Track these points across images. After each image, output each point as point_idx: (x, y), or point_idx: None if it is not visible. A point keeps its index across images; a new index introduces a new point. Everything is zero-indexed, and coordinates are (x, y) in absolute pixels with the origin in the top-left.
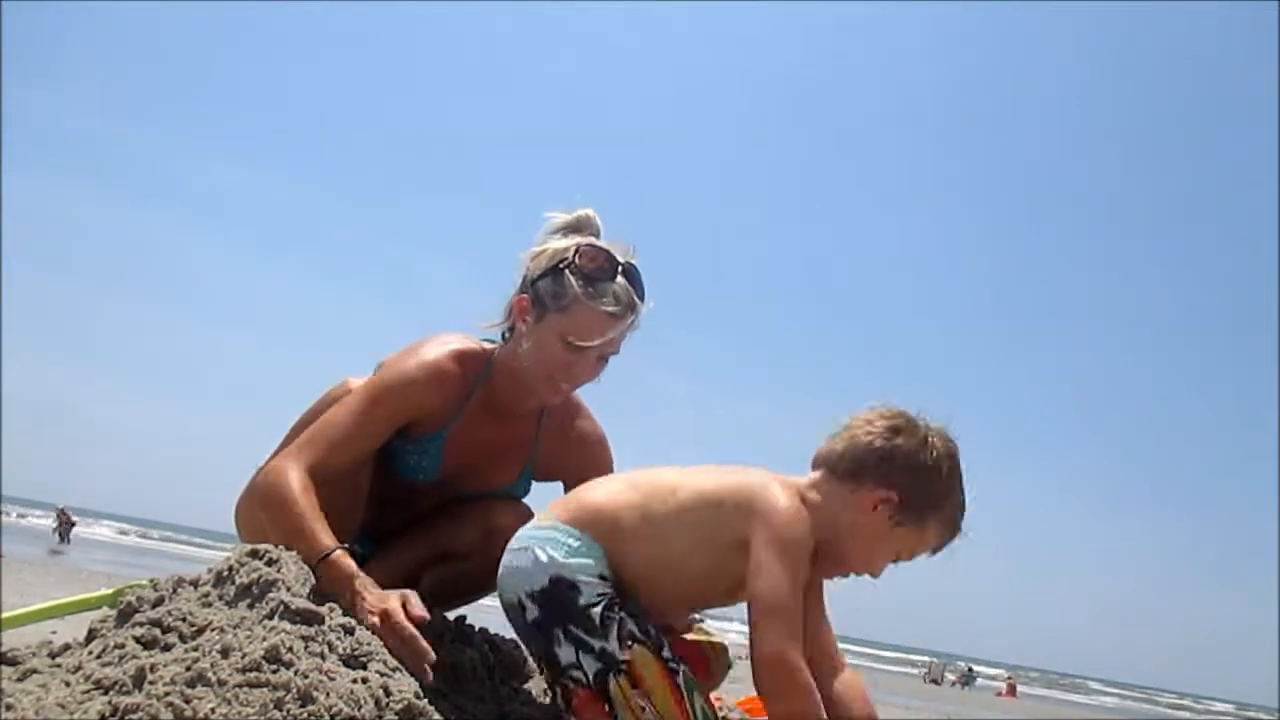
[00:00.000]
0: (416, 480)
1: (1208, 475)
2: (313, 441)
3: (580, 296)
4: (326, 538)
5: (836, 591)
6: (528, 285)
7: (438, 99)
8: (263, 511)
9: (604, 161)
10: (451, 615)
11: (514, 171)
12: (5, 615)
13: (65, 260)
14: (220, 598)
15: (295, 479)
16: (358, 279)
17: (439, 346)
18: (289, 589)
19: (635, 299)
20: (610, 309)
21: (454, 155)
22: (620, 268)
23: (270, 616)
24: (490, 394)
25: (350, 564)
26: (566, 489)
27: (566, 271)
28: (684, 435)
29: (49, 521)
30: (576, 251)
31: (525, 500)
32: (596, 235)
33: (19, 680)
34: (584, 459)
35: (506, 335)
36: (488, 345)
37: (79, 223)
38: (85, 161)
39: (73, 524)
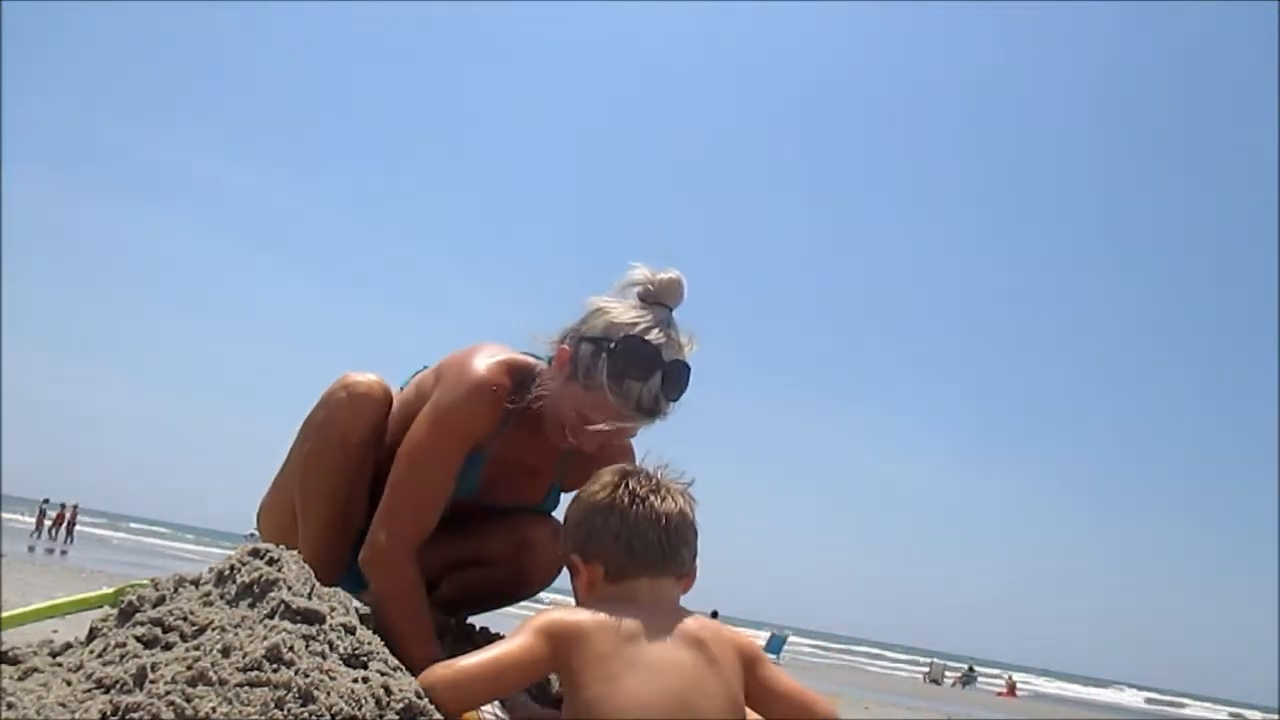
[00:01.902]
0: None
1: (1208, 476)
2: (404, 506)
3: (605, 386)
4: (427, 647)
5: (838, 592)
6: (575, 339)
7: (440, 98)
8: (373, 590)
9: (606, 162)
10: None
11: (516, 171)
12: (6, 614)
13: (65, 260)
14: (221, 597)
15: (406, 568)
16: (358, 278)
17: (486, 361)
18: (290, 588)
19: (661, 405)
20: (627, 412)
21: (457, 155)
22: (662, 370)
23: (271, 616)
24: (529, 410)
25: None
26: None
27: (604, 354)
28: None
29: (47, 520)
30: (622, 340)
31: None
32: (675, 302)
33: (20, 679)
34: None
35: (550, 360)
36: (531, 360)
37: (79, 223)
38: (85, 162)
39: (73, 522)
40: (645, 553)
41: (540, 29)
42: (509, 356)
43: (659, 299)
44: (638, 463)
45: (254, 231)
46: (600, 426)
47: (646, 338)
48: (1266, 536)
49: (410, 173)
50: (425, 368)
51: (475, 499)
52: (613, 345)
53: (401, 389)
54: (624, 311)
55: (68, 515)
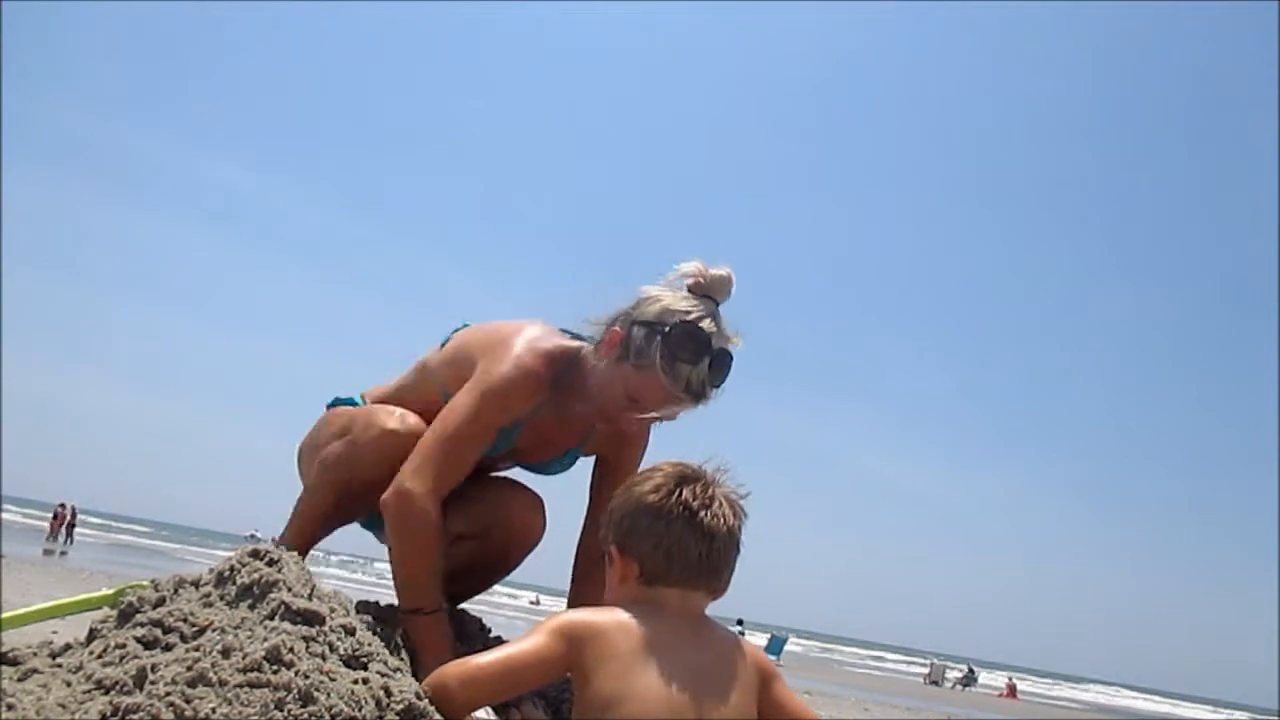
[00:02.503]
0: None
1: (1208, 476)
2: (438, 459)
3: (658, 367)
4: (434, 596)
5: (838, 593)
6: (627, 322)
7: (441, 98)
8: (392, 534)
9: (606, 161)
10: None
11: (516, 171)
12: (6, 615)
13: (65, 260)
14: (221, 598)
15: (433, 517)
16: (358, 278)
17: (532, 346)
18: (290, 589)
19: (708, 389)
20: (677, 392)
21: (456, 154)
22: (710, 357)
23: (271, 617)
24: (563, 390)
25: (447, 630)
26: (600, 468)
27: (658, 337)
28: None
29: (45, 522)
30: (677, 324)
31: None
32: (724, 296)
33: (20, 680)
34: (628, 446)
35: (596, 343)
36: (573, 341)
37: (78, 223)
38: (85, 161)
39: (73, 523)
40: (683, 566)
41: (542, 29)
42: (555, 343)
43: (709, 292)
44: (700, 464)
45: (255, 232)
46: (650, 411)
47: (700, 324)
48: (1267, 537)
49: (411, 173)
50: (466, 325)
51: (501, 457)
52: (667, 329)
53: (442, 345)
54: (677, 300)
55: (66, 515)
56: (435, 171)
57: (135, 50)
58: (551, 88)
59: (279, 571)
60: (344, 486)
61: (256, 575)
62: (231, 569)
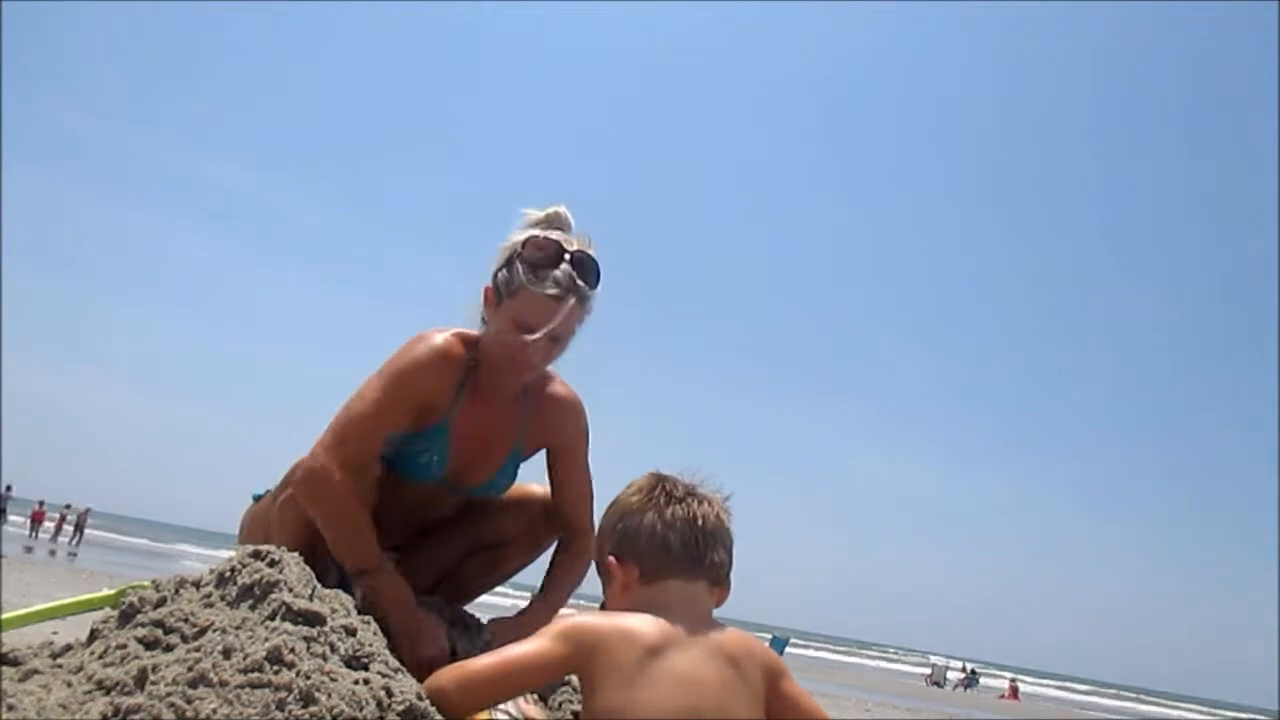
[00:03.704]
0: (425, 481)
1: (1208, 477)
2: (342, 436)
3: (525, 283)
4: (373, 553)
5: (840, 593)
6: (491, 279)
7: (441, 98)
8: (311, 509)
9: (603, 161)
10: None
11: (515, 171)
12: (7, 615)
13: (64, 260)
14: (222, 598)
15: (341, 481)
16: (358, 278)
17: (439, 332)
18: (291, 590)
19: (579, 283)
20: (551, 292)
21: (456, 154)
22: (568, 256)
23: (272, 617)
24: (480, 378)
25: (405, 587)
26: (548, 458)
27: (516, 261)
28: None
29: (54, 522)
30: (525, 242)
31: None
32: (566, 230)
33: (21, 681)
34: (559, 421)
35: (484, 321)
36: (476, 333)
37: (78, 223)
38: (85, 161)
39: (81, 525)
40: (680, 552)
41: (542, 29)
42: (460, 330)
43: (549, 226)
44: (672, 472)
45: (255, 232)
46: (539, 325)
47: (547, 235)
48: (1267, 538)
49: (411, 173)
50: None
51: (446, 483)
52: (519, 250)
53: None
54: (521, 233)
55: (60, 516)
56: (435, 171)
57: (135, 50)
58: (551, 88)
59: (280, 572)
60: (303, 524)
61: (257, 576)
62: (232, 569)
